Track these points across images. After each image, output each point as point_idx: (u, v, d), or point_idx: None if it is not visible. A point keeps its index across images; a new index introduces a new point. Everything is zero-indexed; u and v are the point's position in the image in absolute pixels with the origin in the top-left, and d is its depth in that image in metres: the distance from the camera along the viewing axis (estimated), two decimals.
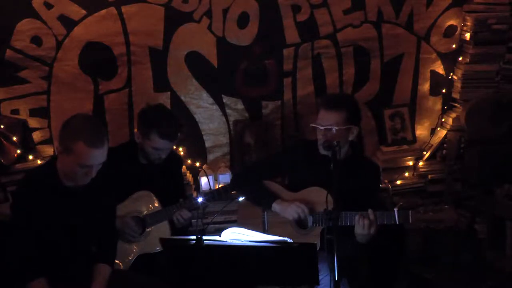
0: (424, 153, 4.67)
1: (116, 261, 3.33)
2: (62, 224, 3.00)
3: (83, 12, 4.10)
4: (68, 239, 3.03)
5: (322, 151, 3.40)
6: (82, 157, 2.85)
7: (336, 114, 3.37)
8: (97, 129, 2.92)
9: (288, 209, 3.41)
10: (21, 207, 2.99)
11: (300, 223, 3.44)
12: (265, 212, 3.51)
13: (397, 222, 3.20)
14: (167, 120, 3.58)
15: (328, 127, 3.36)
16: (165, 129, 3.52)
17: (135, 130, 3.70)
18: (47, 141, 4.25)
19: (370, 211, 3.20)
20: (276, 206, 3.46)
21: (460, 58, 4.60)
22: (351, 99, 3.68)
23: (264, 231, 3.44)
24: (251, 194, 3.57)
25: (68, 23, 4.10)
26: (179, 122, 3.67)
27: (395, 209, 3.22)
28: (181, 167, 4.06)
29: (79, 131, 2.86)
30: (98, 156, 2.89)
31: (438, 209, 3.21)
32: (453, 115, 4.62)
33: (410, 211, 3.20)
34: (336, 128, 3.35)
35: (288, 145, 4.47)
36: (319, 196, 3.33)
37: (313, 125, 3.45)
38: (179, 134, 3.64)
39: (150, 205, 3.59)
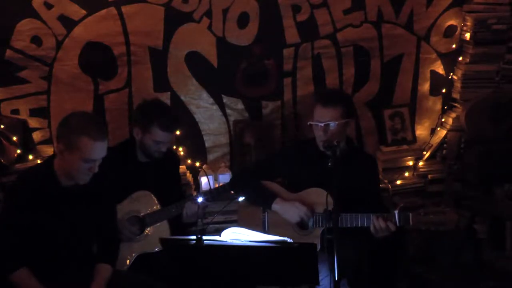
0: (424, 153, 4.67)
1: None
2: (59, 225, 2.99)
3: (83, 12, 4.10)
4: (66, 239, 3.02)
5: (322, 149, 3.41)
6: (87, 151, 2.88)
7: (333, 110, 3.41)
8: (98, 123, 2.99)
9: (290, 212, 3.41)
10: (13, 205, 2.97)
11: (301, 224, 3.44)
12: (266, 213, 3.50)
13: (398, 224, 3.20)
14: (166, 112, 3.66)
15: (327, 123, 3.39)
16: (165, 121, 3.58)
17: (134, 127, 3.70)
18: (47, 141, 4.25)
19: (374, 217, 3.20)
20: (276, 206, 3.45)
21: (460, 58, 4.60)
22: (345, 94, 3.80)
23: (265, 231, 3.43)
24: (250, 194, 3.56)
25: (68, 23, 4.10)
26: (176, 115, 3.74)
27: (396, 212, 3.21)
28: (179, 166, 4.06)
29: (82, 127, 2.89)
30: (102, 149, 2.93)
31: (439, 211, 3.22)
32: (453, 115, 4.62)
33: (410, 214, 3.20)
34: (336, 123, 3.38)
35: (285, 146, 4.46)
36: (319, 197, 3.33)
37: (311, 122, 3.47)
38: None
39: (150, 205, 3.59)
